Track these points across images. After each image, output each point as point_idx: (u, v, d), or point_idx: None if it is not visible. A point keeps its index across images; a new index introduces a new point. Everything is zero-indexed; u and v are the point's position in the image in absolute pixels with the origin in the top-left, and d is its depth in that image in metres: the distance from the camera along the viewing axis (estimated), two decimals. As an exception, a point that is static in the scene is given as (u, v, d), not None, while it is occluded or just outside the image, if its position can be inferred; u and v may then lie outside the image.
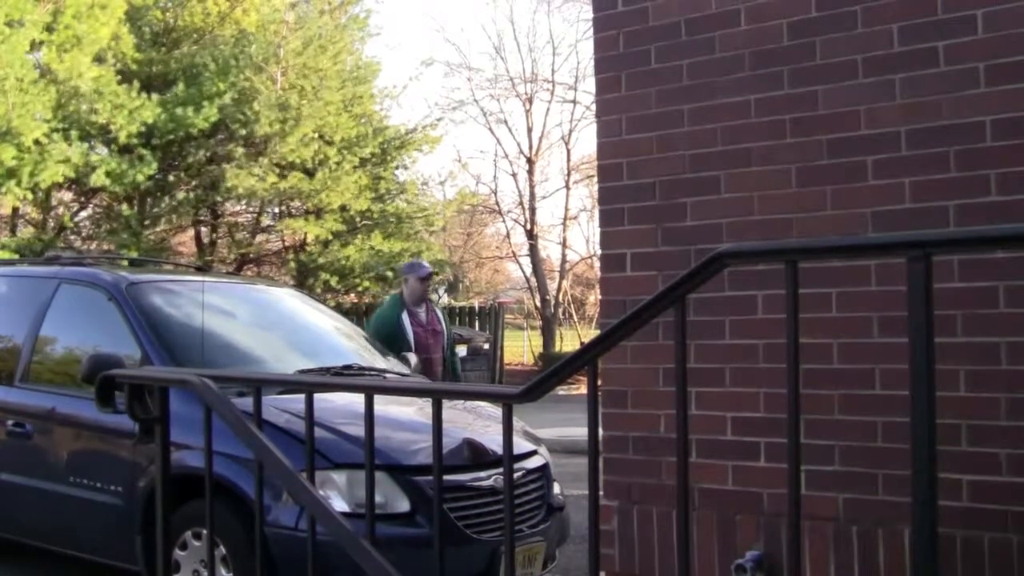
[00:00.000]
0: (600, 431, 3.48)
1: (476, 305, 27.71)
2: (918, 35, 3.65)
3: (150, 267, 8.69)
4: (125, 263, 11.54)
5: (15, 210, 17.92)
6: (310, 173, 18.92)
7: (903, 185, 3.65)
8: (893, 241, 2.30)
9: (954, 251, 3.27)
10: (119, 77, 17.18)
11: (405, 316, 8.39)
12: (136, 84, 17.06)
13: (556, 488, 5.99)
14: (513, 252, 33.71)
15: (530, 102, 31.20)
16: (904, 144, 3.66)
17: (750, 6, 4.01)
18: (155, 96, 17.32)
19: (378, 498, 4.51)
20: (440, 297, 32.16)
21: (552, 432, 11.44)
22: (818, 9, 3.86)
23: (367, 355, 7.05)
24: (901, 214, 3.64)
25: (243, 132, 18.19)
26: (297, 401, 4.92)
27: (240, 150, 18.35)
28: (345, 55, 20.84)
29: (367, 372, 6.44)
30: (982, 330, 3.48)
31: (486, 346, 20.34)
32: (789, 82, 3.91)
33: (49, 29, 16.30)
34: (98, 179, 16.61)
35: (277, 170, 18.64)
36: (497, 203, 32.63)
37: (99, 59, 17.05)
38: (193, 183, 18.84)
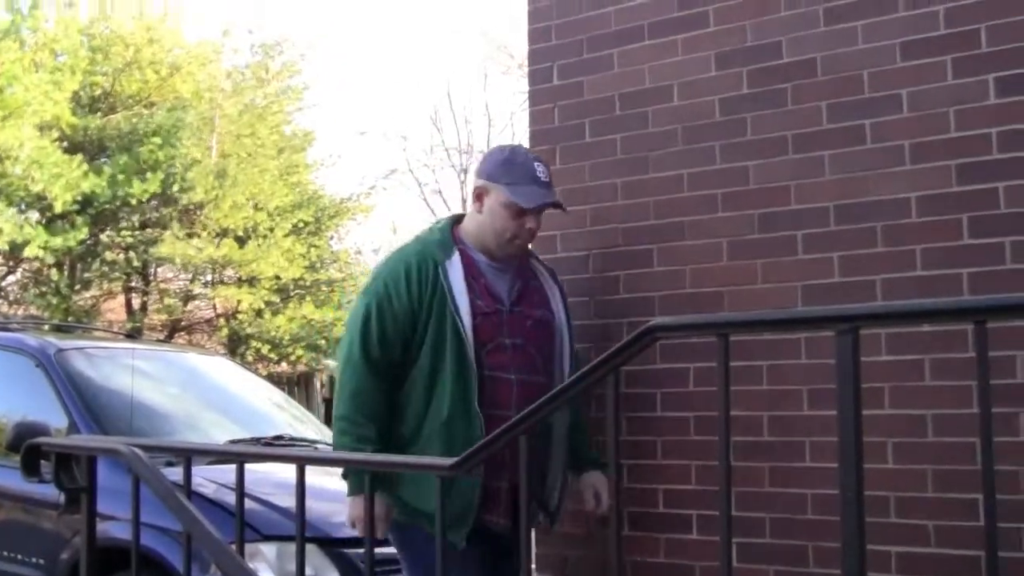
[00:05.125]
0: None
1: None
2: (846, 113, 3.73)
3: (78, 333, 8.59)
4: (52, 328, 11.40)
5: (-58, 273, 17.69)
6: (243, 240, 18.83)
7: (832, 259, 3.71)
8: (822, 315, 2.34)
9: (881, 325, 3.32)
10: (62, 143, 17.07)
11: (455, 270, 3.83)
12: (79, 157, 16.94)
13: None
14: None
15: (465, 173, 31.28)
16: (833, 219, 3.72)
17: (683, 82, 4.08)
18: (93, 164, 17.24)
19: (308, 570, 4.45)
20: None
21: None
22: (749, 86, 3.93)
23: (298, 425, 6.99)
24: (830, 288, 3.69)
25: (181, 200, 18.11)
26: (227, 471, 4.87)
27: (175, 217, 18.28)
28: (282, 125, 20.88)
29: (298, 443, 6.39)
30: (909, 403, 3.52)
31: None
32: (721, 157, 3.97)
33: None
34: (31, 251, 16.45)
35: (210, 238, 18.57)
36: (432, 272, 32.57)
37: (40, 127, 16.91)
38: (125, 247, 18.67)
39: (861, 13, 3.75)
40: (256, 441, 6.09)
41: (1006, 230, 3.44)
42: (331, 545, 5.03)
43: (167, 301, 20.07)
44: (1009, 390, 3.33)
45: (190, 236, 18.47)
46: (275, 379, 16.83)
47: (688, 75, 4.07)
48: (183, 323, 20.67)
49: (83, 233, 17.07)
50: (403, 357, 3.78)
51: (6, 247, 16.33)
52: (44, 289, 18.36)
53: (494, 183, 3.88)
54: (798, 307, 3.71)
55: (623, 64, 4.23)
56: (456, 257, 3.84)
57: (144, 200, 18.07)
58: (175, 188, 17.92)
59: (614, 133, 4.20)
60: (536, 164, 3.90)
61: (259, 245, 18.49)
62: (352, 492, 3.73)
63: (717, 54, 4.03)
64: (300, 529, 3.01)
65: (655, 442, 3.98)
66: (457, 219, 4.06)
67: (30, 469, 3.73)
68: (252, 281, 18.93)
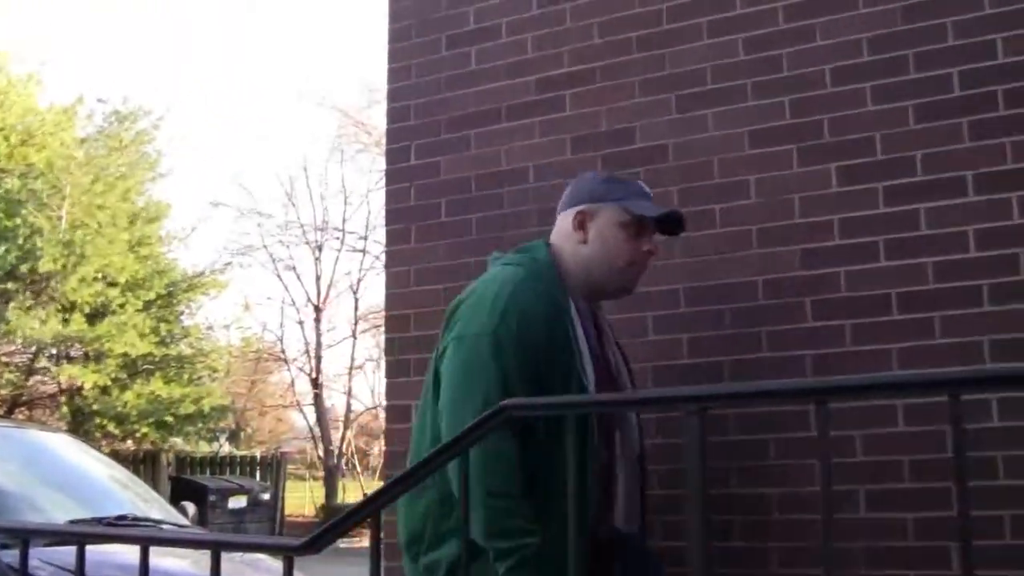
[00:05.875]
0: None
1: (258, 454, 26.95)
2: (696, 198, 3.83)
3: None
4: None
5: None
6: (92, 316, 18.34)
7: (681, 341, 3.78)
8: (670, 395, 2.37)
9: (728, 405, 3.39)
10: None
11: (575, 319, 3.12)
12: None
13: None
14: (297, 401, 33.14)
15: (319, 250, 31.12)
16: (683, 301, 3.80)
17: (539, 164, 4.14)
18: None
19: (149, 655, 4.30)
20: (221, 446, 31.06)
21: (334, 585, 11.13)
22: (605, 169, 4.01)
23: (143, 504, 6.80)
24: (679, 369, 3.76)
25: (25, 269, 17.58)
26: (67, 553, 4.69)
27: (20, 289, 17.74)
28: (134, 194, 20.51)
29: (142, 522, 6.20)
30: (755, 481, 3.59)
31: (266, 496, 19.81)
32: (574, 239, 4.02)
33: None
34: None
35: (60, 313, 18.04)
36: (283, 351, 32.21)
37: None
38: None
39: (711, 102, 3.88)
40: (98, 521, 5.90)
41: (846, 314, 3.56)
42: (174, 629, 4.88)
43: (7, 375, 19.40)
44: (849, 468, 3.43)
45: (31, 308, 17.92)
46: (120, 457, 16.33)
47: (544, 157, 4.14)
48: (24, 398, 19.99)
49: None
50: None
51: None
52: None
53: (601, 203, 3.23)
54: (649, 388, 3.76)
55: (480, 145, 4.28)
56: (571, 302, 3.14)
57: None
58: (13, 257, 17.37)
59: (470, 213, 4.23)
60: (638, 180, 3.42)
61: (111, 322, 18.03)
62: None
63: (573, 137, 4.11)
64: (142, 612, 2.91)
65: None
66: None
67: None
68: (99, 357, 18.42)
